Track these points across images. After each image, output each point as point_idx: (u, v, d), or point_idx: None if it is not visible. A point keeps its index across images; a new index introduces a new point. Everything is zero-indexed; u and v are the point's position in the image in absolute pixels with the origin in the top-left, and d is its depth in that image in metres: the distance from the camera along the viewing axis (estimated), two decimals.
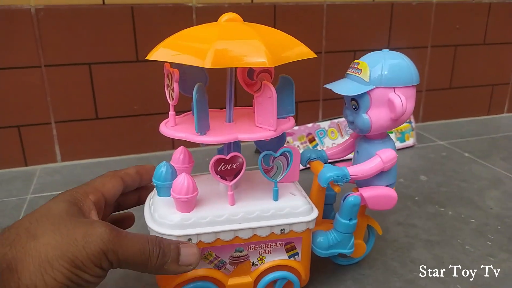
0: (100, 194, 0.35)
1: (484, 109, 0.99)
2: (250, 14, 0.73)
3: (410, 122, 0.80)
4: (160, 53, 0.33)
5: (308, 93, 0.83)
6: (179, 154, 0.41)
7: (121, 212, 0.42)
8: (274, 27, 0.37)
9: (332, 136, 0.75)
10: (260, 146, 0.42)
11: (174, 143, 0.76)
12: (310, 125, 0.74)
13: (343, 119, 0.76)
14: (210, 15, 0.72)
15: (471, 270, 0.45)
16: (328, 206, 0.45)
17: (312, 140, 0.73)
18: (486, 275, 0.44)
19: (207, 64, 0.31)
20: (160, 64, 0.35)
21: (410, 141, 0.79)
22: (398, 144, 0.79)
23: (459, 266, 0.46)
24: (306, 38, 0.39)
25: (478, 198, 0.60)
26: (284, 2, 0.75)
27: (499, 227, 0.53)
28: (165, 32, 0.36)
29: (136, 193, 0.42)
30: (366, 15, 0.80)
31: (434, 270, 0.45)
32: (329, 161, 0.44)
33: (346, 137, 0.74)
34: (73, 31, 0.66)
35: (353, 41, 0.81)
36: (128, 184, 0.39)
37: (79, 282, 0.29)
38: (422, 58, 0.88)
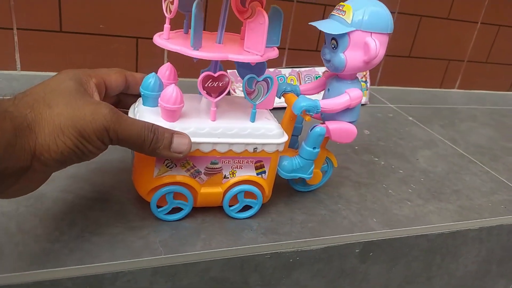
0: (102, 81, 0.39)
1: (437, 82, 1.06)
2: None
3: (366, 82, 0.86)
4: None
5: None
6: (165, 69, 0.43)
7: None
8: None
9: (292, 83, 0.78)
10: (242, 73, 0.45)
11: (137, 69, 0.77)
12: (272, 69, 0.77)
13: (304, 69, 0.80)
14: None
15: (388, 209, 0.52)
16: (294, 138, 0.50)
17: None
18: (401, 214, 0.51)
19: None
20: None
21: (363, 100, 0.84)
22: None
23: (379, 204, 0.52)
24: None
25: (410, 154, 0.68)
26: None
27: (422, 179, 0.60)
28: None
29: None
30: None
31: (356, 204, 0.51)
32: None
33: None
34: None
35: None
36: (130, 84, 0.42)
37: (83, 150, 0.33)
38: None
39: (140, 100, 0.42)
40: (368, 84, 0.87)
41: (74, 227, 0.40)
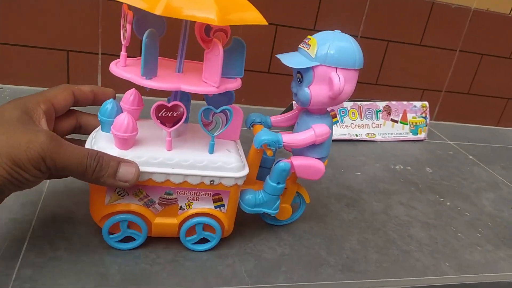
0: (50, 105, 0.38)
1: (495, 120, 1.04)
2: None
3: (425, 118, 0.85)
4: None
5: None
6: (129, 95, 0.42)
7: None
8: None
9: (353, 116, 0.80)
10: (209, 101, 0.44)
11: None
12: None
13: (365, 102, 0.81)
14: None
15: (459, 253, 0.51)
16: (265, 169, 0.48)
17: (334, 116, 0.78)
18: (472, 259, 0.50)
19: (157, 11, 0.32)
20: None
21: (422, 135, 0.85)
22: (411, 136, 0.84)
23: (450, 247, 0.52)
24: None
25: (475, 196, 0.66)
26: None
27: (489, 224, 0.59)
28: None
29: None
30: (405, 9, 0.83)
31: (428, 247, 0.51)
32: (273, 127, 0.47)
33: (366, 120, 0.80)
34: None
35: (388, 32, 0.84)
36: (80, 100, 0.42)
37: (19, 179, 0.33)
38: (449, 60, 0.92)
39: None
40: (428, 120, 0.86)
41: (168, 251, 0.43)
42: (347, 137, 0.78)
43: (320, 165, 0.43)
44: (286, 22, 0.80)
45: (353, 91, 0.41)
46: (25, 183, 0.33)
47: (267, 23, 0.37)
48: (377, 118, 0.82)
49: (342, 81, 0.38)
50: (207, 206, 0.42)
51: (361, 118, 0.81)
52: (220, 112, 0.39)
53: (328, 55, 0.38)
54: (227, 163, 0.40)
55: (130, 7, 0.37)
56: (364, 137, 0.80)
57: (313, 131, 0.41)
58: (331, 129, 0.43)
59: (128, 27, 0.36)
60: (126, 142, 0.38)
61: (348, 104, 0.80)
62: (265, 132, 0.41)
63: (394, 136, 0.83)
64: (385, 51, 0.88)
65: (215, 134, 0.40)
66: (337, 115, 0.79)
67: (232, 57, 0.40)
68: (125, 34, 0.37)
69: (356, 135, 0.79)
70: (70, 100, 0.41)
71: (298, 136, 0.41)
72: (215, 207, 0.42)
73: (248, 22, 0.36)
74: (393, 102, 0.83)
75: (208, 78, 0.38)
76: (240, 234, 0.47)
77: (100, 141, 0.39)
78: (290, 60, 0.39)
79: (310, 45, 0.39)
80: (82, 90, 0.42)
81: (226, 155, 0.41)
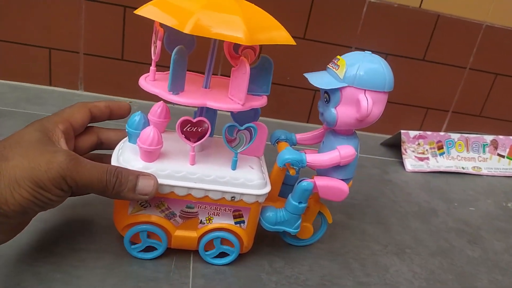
0: (68, 124, 0.39)
1: None
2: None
3: None
4: (148, 10, 0.35)
5: (439, 103, 0.88)
6: (157, 107, 0.43)
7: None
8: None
9: (459, 148, 0.80)
10: (235, 117, 0.44)
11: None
12: (442, 133, 0.79)
13: (472, 135, 0.81)
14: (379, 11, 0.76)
15: None
16: (288, 187, 0.48)
17: (440, 147, 0.79)
18: None
19: (186, 29, 0.32)
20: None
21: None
22: None
23: None
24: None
25: None
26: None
27: None
28: None
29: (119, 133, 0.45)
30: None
31: None
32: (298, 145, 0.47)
33: (472, 153, 0.80)
34: None
35: (497, 65, 0.83)
36: (96, 116, 0.43)
37: (43, 199, 0.34)
38: None
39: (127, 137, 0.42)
40: None
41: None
42: (453, 169, 0.77)
43: (344, 186, 0.42)
44: None
45: (381, 113, 0.40)
46: (49, 203, 0.34)
47: (295, 43, 0.37)
48: (484, 152, 0.81)
49: (370, 103, 0.38)
50: (227, 221, 0.42)
51: (468, 151, 0.80)
52: (244, 129, 0.39)
53: (357, 76, 0.38)
54: (249, 180, 0.40)
55: (161, 24, 0.37)
56: (470, 170, 0.79)
57: (338, 152, 0.40)
58: (357, 151, 0.42)
59: (159, 43, 0.37)
60: (151, 155, 0.38)
61: (455, 136, 0.80)
62: (289, 151, 0.41)
63: (500, 171, 0.81)
64: (492, 84, 0.86)
65: (238, 151, 0.40)
66: (444, 146, 0.79)
67: (259, 74, 0.40)
68: (155, 50, 0.38)
69: (463, 167, 0.78)
70: (87, 118, 0.41)
71: (322, 157, 0.41)
72: (235, 223, 0.42)
73: (276, 42, 0.36)
74: (500, 137, 0.82)
75: (234, 95, 0.38)
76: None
77: (126, 152, 0.40)
78: (318, 80, 0.39)
79: (339, 65, 0.39)
80: (98, 107, 0.42)
81: (248, 171, 0.41)
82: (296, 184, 0.43)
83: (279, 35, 0.36)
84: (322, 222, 0.48)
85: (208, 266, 0.43)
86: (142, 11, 0.35)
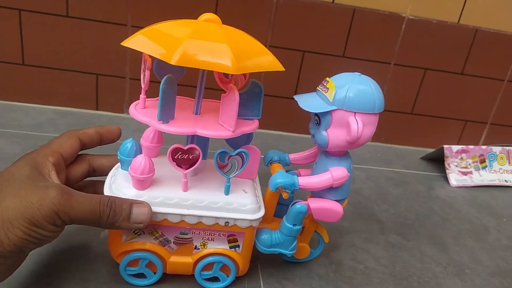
0: (58, 155, 0.39)
1: None
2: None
3: None
4: (135, 40, 0.35)
5: (477, 115, 0.88)
6: (149, 132, 0.43)
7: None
8: None
9: (501, 161, 0.80)
10: (228, 140, 0.44)
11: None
12: (484, 147, 0.80)
13: None
14: (419, 27, 0.77)
15: None
16: (284, 207, 0.48)
17: (482, 161, 0.79)
18: None
19: (173, 61, 0.32)
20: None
21: None
22: None
23: None
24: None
25: None
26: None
27: None
28: None
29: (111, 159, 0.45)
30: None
31: None
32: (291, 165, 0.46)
33: None
34: None
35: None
36: (86, 143, 0.42)
37: (37, 237, 0.34)
38: None
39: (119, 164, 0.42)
40: None
41: None
42: (496, 182, 0.78)
43: (338, 208, 0.42)
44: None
45: (372, 134, 0.40)
46: (44, 239, 0.34)
47: (283, 69, 0.37)
48: None
49: (361, 126, 0.37)
50: (221, 246, 0.42)
51: (510, 163, 0.80)
52: (236, 154, 0.39)
53: (346, 99, 0.38)
54: (242, 204, 0.40)
55: None
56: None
57: (330, 174, 0.40)
58: (350, 171, 0.42)
59: (147, 73, 0.37)
60: (143, 183, 0.38)
61: (496, 149, 0.80)
62: (280, 174, 0.40)
63: None
64: None
65: (230, 176, 0.40)
66: (486, 160, 0.79)
67: (250, 99, 0.40)
68: (144, 79, 0.38)
69: (505, 180, 0.79)
70: (77, 146, 0.41)
71: (314, 179, 0.41)
72: (230, 247, 0.42)
73: (264, 69, 0.36)
74: None
75: (224, 121, 0.38)
76: None
77: (118, 180, 0.40)
78: (308, 103, 0.39)
79: (328, 88, 0.39)
80: (87, 134, 0.42)
81: (241, 196, 0.41)
82: (290, 206, 0.42)
83: (267, 60, 0.36)
84: (319, 241, 0.48)
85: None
86: (130, 42, 0.35)
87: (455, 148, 0.78)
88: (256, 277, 0.46)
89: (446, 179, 0.76)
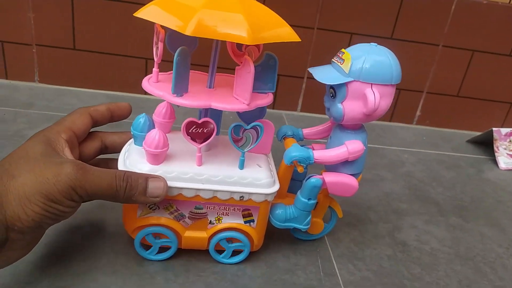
0: (71, 132, 0.39)
1: None
2: None
3: None
4: (148, 11, 0.34)
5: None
6: (162, 108, 0.43)
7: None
8: None
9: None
10: (241, 115, 0.43)
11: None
12: (509, 129, 0.78)
13: None
14: (469, 8, 0.76)
15: None
16: (297, 182, 0.47)
17: None
18: None
19: (188, 31, 0.32)
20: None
21: None
22: None
23: None
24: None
25: None
26: None
27: None
28: None
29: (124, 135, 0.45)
30: None
31: None
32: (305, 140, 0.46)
33: None
34: None
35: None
36: (98, 120, 0.42)
37: (55, 212, 0.34)
38: None
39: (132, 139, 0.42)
40: None
41: None
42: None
43: (353, 182, 0.42)
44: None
45: (389, 106, 0.39)
46: (62, 215, 0.34)
47: (299, 40, 0.36)
48: None
49: (378, 98, 0.37)
50: (236, 221, 0.42)
51: None
52: (251, 128, 0.38)
53: (363, 70, 0.37)
54: (257, 179, 0.40)
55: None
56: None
57: (345, 147, 0.40)
58: (366, 145, 0.41)
59: (160, 45, 0.36)
60: (157, 158, 0.38)
61: None
62: (295, 148, 0.40)
63: None
64: None
65: (245, 150, 0.39)
66: None
67: (264, 72, 0.39)
68: (157, 51, 0.37)
69: None
70: (89, 123, 0.41)
71: (330, 153, 0.40)
72: (245, 222, 0.42)
73: (281, 40, 0.35)
74: None
75: (239, 95, 0.38)
76: None
77: (132, 155, 0.39)
78: (323, 75, 0.38)
79: (344, 59, 0.38)
80: (99, 110, 0.42)
81: (256, 170, 0.40)
82: (304, 180, 0.42)
83: (284, 31, 0.35)
84: (331, 216, 0.48)
85: (353, 273, 0.45)
86: (142, 12, 0.34)
87: (504, 130, 0.77)
88: (328, 258, 0.47)
89: (494, 162, 0.75)
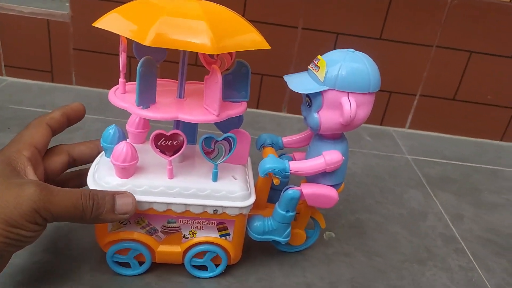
0: (33, 148, 0.36)
1: None
2: None
3: None
4: (108, 20, 0.32)
5: None
6: (135, 117, 0.41)
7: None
8: None
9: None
10: (217, 124, 0.42)
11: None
12: None
13: None
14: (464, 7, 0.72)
15: None
16: (278, 192, 0.46)
17: None
18: None
19: (147, 42, 0.30)
20: None
21: None
22: None
23: None
24: None
25: None
26: None
27: None
28: None
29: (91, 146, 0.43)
30: None
31: None
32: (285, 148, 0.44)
33: None
34: None
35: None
36: (56, 129, 0.39)
37: (17, 238, 0.31)
38: None
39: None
40: None
41: None
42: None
43: (332, 193, 0.40)
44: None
45: (368, 115, 0.37)
46: (24, 241, 0.32)
47: (269, 47, 0.34)
48: None
49: (354, 107, 0.35)
50: (211, 234, 0.40)
51: None
52: (223, 139, 0.37)
53: (338, 78, 0.35)
54: (231, 192, 0.38)
55: None
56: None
57: (323, 158, 0.38)
58: (346, 155, 0.39)
59: (123, 55, 0.35)
60: (126, 171, 0.37)
61: None
62: (270, 159, 0.38)
63: None
64: None
65: (218, 162, 0.38)
66: None
67: (236, 80, 0.38)
68: (121, 62, 0.36)
69: None
70: (48, 134, 0.38)
71: (306, 164, 0.39)
72: (220, 235, 0.40)
73: (248, 48, 0.33)
74: None
75: (208, 105, 0.36)
76: None
77: (101, 169, 0.38)
78: (297, 83, 0.36)
79: (319, 66, 0.36)
80: (54, 118, 0.39)
81: (230, 183, 0.39)
82: (282, 192, 0.41)
83: (251, 39, 0.34)
84: (315, 227, 0.46)
85: None
86: (102, 22, 0.32)
87: None
88: None
89: None
